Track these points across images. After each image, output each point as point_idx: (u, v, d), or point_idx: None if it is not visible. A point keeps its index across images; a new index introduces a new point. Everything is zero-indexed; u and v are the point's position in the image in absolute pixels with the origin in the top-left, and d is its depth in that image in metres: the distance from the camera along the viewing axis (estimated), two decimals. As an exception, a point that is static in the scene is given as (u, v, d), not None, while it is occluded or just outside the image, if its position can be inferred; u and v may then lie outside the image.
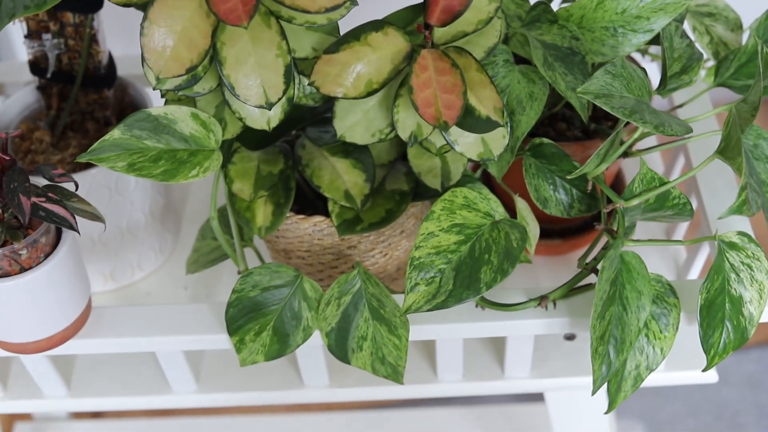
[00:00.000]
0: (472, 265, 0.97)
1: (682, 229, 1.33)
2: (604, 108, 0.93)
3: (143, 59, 0.92)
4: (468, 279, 0.96)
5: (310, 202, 1.15)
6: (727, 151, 0.98)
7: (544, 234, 1.28)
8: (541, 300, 1.06)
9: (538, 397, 1.85)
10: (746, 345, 2.05)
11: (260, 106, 0.94)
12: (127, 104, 1.30)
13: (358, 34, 0.96)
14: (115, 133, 0.97)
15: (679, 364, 1.20)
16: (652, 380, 1.19)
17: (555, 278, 1.29)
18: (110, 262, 1.29)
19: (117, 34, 1.48)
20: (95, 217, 1.02)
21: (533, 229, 1.09)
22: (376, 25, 0.96)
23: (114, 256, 1.29)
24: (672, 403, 2.31)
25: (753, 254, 1.02)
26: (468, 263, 0.97)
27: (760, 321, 1.03)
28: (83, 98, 1.25)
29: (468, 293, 0.96)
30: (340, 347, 1.05)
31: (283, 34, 0.93)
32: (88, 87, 1.24)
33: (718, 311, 1.01)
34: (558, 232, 1.30)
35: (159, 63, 0.91)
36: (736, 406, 2.32)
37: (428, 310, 0.96)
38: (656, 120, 0.96)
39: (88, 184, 1.19)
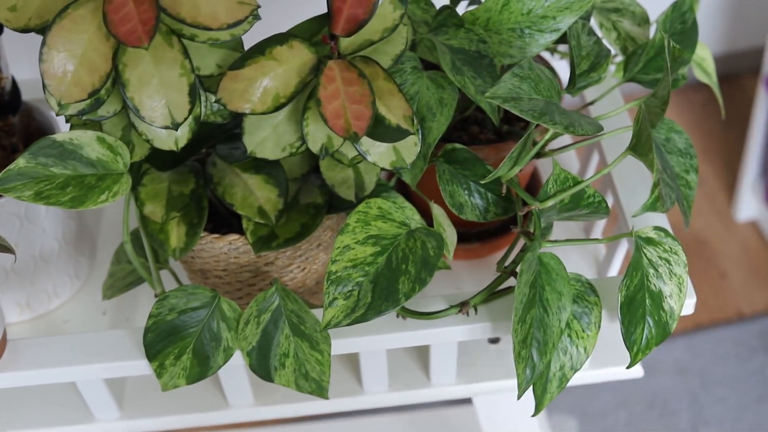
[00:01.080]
0: (390, 277, 0.96)
1: (600, 225, 1.34)
2: (512, 111, 0.93)
3: (44, 86, 0.90)
4: (386, 291, 0.95)
5: (225, 220, 1.14)
6: (639, 147, 0.98)
7: (463, 238, 1.27)
8: (462, 306, 1.05)
9: (467, 399, 1.85)
10: (673, 333, 2.07)
11: (166, 127, 0.93)
12: (34, 129, 1.28)
13: (262, 48, 0.95)
14: (20, 162, 0.95)
15: (605, 361, 1.20)
16: (578, 379, 1.19)
17: (476, 282, 1.29)
18: (25, 291, 1.27)
19: (20, 56, 1.46)
20: (5, 248, 1.00)
21: (450, 235, 1.09)
22: (280, 39, 0.95)
23: (29, 285, 1.27)
24: (603, 395, 2.32)
25: (670, 248, 1.02)
26: (386, 275, 0.96)
27: (681, 314, 1.03)
28: (-12, 126, 1.23)
29: (387, 305, 0.95)
30: (262, 366, 1.03)
31: (185, 53, 0.92)
32: (-8, 114, 1.22)
33: (638, 308, 1.01)
34: (476, 235, 1.29)
35: (60, 89, 0.90)
36: (667, 395, 2.34)
37: (348, 325, 0.95)
38: (566, 120, 0.95)
39: (-3, 214, 1.17)
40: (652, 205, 0.98)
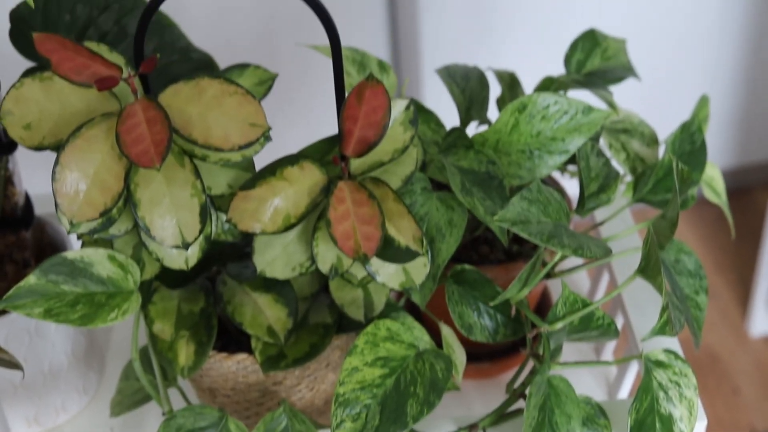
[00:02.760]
0: (398, 399, 0.95)
1: (612, 343, 1.33)
2: (521, 235, 0.93)
3: (56, 204, 0.90)
4: (394, 413, 0.95)
5: (234, 338, 1.14)
6: (648, 270, 0.98)
7: (473, 357, 1.27)
8: (471, 429, 1.04)
9: None
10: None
11: (177, 247, 0.93)
12: (46, 244, 1.28)
13: (273, 169, 0.95)
14: (31, 279, 0.95)
15: (615, 484, 1.19)
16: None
17: (486, 402, 1.28)
18: (33, 406, 1.26)
19: (34, 170, 1.47)
20: (13, 365, 1.00)
21: (460, 356, 1.08)
22: (291, 160, 0.96)
23: (37, 399, 1.26)
24: None
25: (680, 371, 1.02)
26: (393, 397, 0.95)
27: (692, 437, 1.03)
28: (0, 240, 1.23)
29: (395, 428, 0.94)
30: (269, 486, 1.02)
31: (197, 173, 0.92)
32: (5, 229, 1.22)
33: (648, 431, 1.00)
34: (486, 354, 1.29)
35: (72, 208, 0.90)
36: None
37: (356, 447, 0.94)
38: (575, 244, 0.96)
39: (7, 329, 1.17)
40: (661, 329, 0.97)
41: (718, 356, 2.64)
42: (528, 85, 1.29)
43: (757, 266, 2.58)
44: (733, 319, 2.73)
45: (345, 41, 1.14)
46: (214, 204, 0.99)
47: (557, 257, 1.05)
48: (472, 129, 1.17)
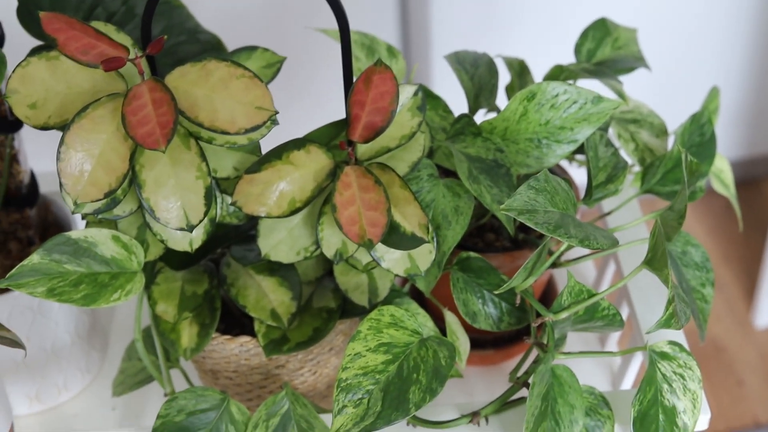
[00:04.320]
0: (401, 386, 0.95)
1: (616, 333, 1.33)
2: (527, 224, 0.92)
3: (61, 184, 0.90)
4: (397, 400, 0.94)
5: (237, 320, 1.13)
6: (654, 262, 0.97)
7: (476, 344, 1.26)
8: (473, 416, 1.04)
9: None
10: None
11: (181, 229, 0.93)
12: (51, 222, 1.28)
13: (280, 152, 0.95)
14: (35, 258, 0.95)
15: (617, 474, 1.18)
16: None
17: (488, 389, 1.27)
18: (35, 384, 1.26)
19: (39, 149, 1.47)
20: (15, 343, 0.99)
21: (463, 343, 1.08)
22: (298, 143, 0.95)
23: (39, 378, 1.26)
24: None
25: (685, 364, 1.01)
26: (396, 383, 0.95)
27: (696, 430, 1.02)
28: (5, 218, 1.23)
29: (397, 414, 0.94)
30: (269, 470, 1.02)
31: (202, 156, 0.92)
32: (10, 207, 1.22)
33: (651, 423, 0.99)
34: (490, 341, 1.29)
35: (77, 188, 0.90)
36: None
37: (357, 432, 0.94)
38: (581, 234, 0.95)
39: (10, 307, 1.16)
40: (667, 322, 0.97)
41: (723, 347, 2.64)
42: (537, 73, 1.29)
43: (764, 258, 2.57)
44: (738, 310, 2.72)
45: (354, 25, 1.13)
46: (219, 186, 0.99)
47: (563, 247, 1.05)
48: (481, 116, 1.17)
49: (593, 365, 1.30)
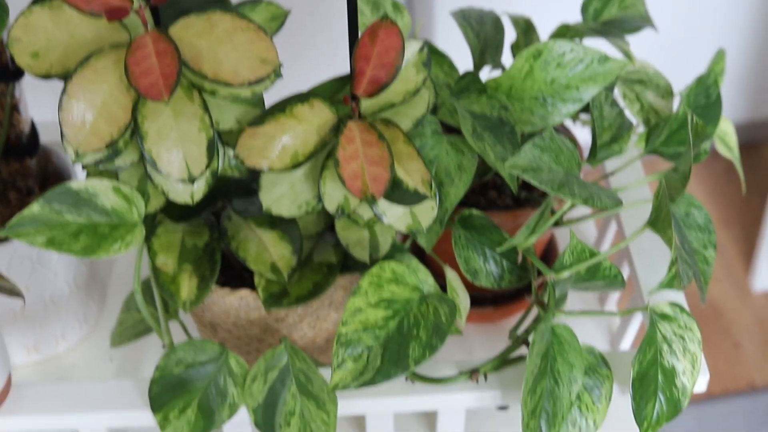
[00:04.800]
0: (401, 341, 0.95)
1: (616, 293, 1.33)
2: (532, 183, 0.92)
3: (62, 134, 0.89)
4: (396, 355, 0.94)
5: (237, 273, 1.13)
6: (658, 223, 0.97)
7: (476, 302, 1.26)
8: (473, 373, 1.04)
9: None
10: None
11: (183, 181, 0.92)
12: (51, 172, 1.27)
13: (283, 106, 0.94)
14: (34, 208, 0.94)
15: (614, 434, 1.19)
16: (586, 451, 1.17)
17: (487, 347, 1.27)
18: (34, 334, 1.26)
19: (40, 98, 1.46)
20: (13, 292, 0.99)
21: (464, 301, 1.08)
22: (301, 97, 0.95)
23: (38, 328, 1.26)
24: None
25: (685, 325, 1.01)
26: (396, 339, 0.95)
27: (694, 391, 1.02)
28: (5, 168, 1.22)
29: (396, 370, 0.94)
30: (267, 423, 1.02)
31: (205, 108, 0.91)
32: (10, 156, 1.21)
33: (650, 383, 0.99)
34: (490, 299, 1.29)
35: (78, 138, 0.89)
36: (675, 464, 2.32)
37: (356, 387, 0.94)
38: (585, 193, 0.95)
39: (9, 256, 1.16)
40: (670, 283, 0.97)
41: (720, 310, 2.64)
42: (543, 32, 1.28)
43: (763, 222, 2.57)
44: (736, 273, 2.73)
45: (360, -21, 1.13)
46: (221, 139, 0.98)
47: (566, 206, 1.04)
48: (485, 74, 1.16)
49: (592, 325, 1.31)
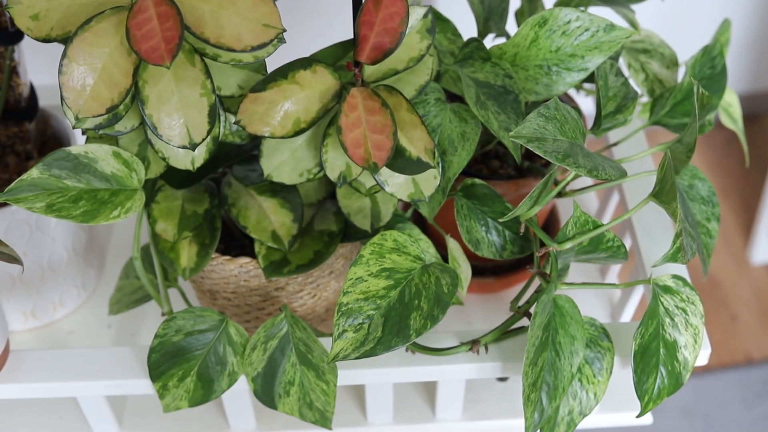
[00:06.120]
0: (402, 312, 0.94)
1: (617, 266, 1.32)
2: (536, 152, 0.91)
3: (62, 98, 0.88)
4: (397, 326, 0.93)
5: (237, 241, 1.12)
6: (662, 194, 0.96)
7: (477, 272, 1.25)
8: (473, 344, 1.03)
9: None
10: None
11: (184, 147, 0.91)
12: (50, 137, 1.26)
13: (285, 72, 0.93)
14: (34, 173, 0.93)
15: (613, 406, 1.18)
16: (586, 423, 1.17)
17: (488, 318, 1.27)
18: (31, 300, 1.25)
19: (40, 61, 1.45)
20: (12, 258, 0.98)
21: (465, 271, 1.07)
22: (304, 63, 0.94)
23: (35, 294, 1.25)
24: (606, 433, 2.30)
25: (688, 298, 1.00)
26: (397, 309, 0.94)
27: (696, 364, 1.02)
28: (3, 131, 1.21)
29: (397, 340, 0.93)
30: (266, 393, 1.02)
31: (207, 73, 0.90)
32: (8, 120, 1.20)
33: (652, 357, 0.99)
34: (491, 269, 1.28)
35: (78, 102, 0.88)
36: (671, 436, 2.32)
37: (356, 358, 0.93)
38: (590, 164, 0.94)
39: (7, 222, 1.15)
40: (673, 256, 0.96)
41: (718, 282, 2.64)
42: (548, 2, 1.27)
43: (763, 194, 2.56)
44: (735, 246, 2.72)
45: (363, -56, 1.11)
46: (223, 105, 0.97)
47: (570, 176, 1.04)
48: (489, 41, 1.15)
49: (593, 297, 1.30)
